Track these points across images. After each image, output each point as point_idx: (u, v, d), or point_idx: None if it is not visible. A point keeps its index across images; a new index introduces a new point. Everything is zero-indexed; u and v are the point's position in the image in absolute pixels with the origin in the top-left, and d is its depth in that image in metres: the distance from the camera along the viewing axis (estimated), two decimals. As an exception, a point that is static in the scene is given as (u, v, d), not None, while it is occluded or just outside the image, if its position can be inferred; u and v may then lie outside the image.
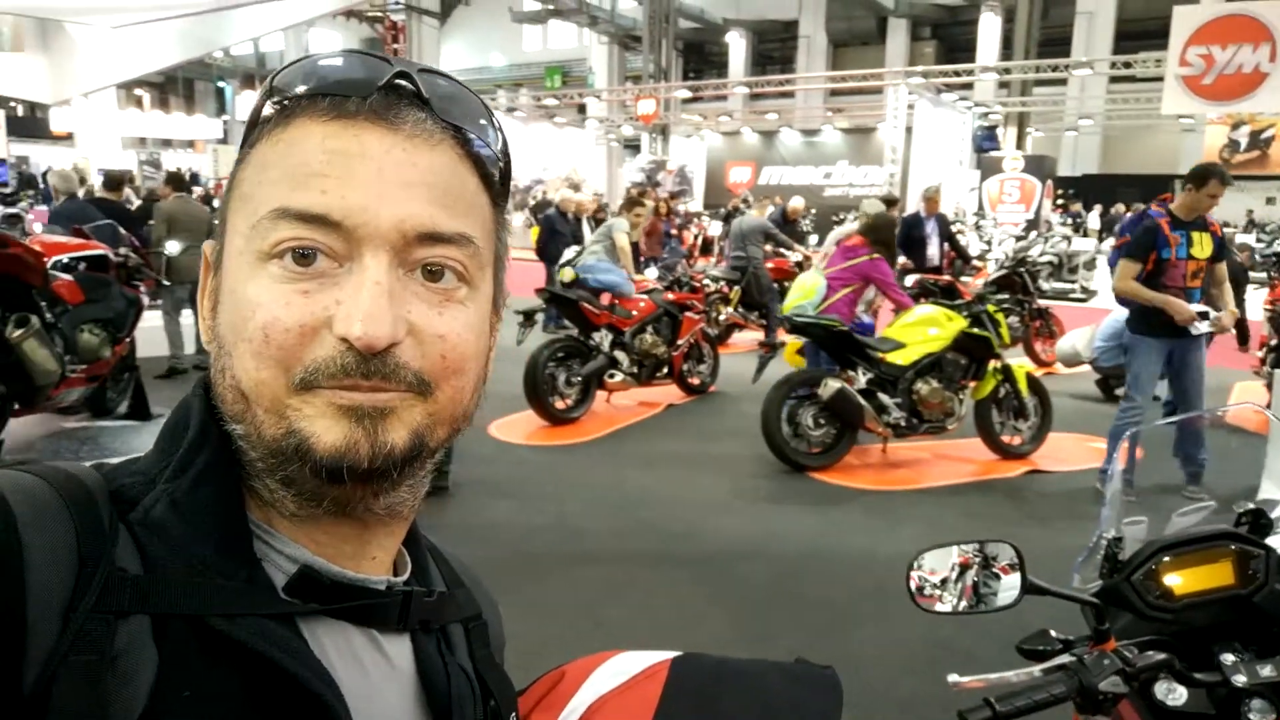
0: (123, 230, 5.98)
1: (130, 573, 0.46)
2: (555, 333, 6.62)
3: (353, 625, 0.54)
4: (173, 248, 6.93)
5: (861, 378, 5.41)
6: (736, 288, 9.37)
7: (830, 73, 27.85)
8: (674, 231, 10.92)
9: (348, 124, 0.50)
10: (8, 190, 13.80)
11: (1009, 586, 1.27)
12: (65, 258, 5.22)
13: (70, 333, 4.85)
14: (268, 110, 0.52)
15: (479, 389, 0.56)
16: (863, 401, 5.29)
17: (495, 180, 0.56)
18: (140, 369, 5.71)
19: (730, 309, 9.27)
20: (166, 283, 6.79)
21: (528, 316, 6.23)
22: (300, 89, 0.51)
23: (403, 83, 0.52)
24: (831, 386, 5.21)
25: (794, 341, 5.93)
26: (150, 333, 6.87)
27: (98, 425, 5.01)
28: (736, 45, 32.60)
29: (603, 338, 6.49)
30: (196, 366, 6.82)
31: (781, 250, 10.13)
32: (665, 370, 6.88)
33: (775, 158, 27.54)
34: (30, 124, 21.36)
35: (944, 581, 1.39)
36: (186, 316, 7.48)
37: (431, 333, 0.51)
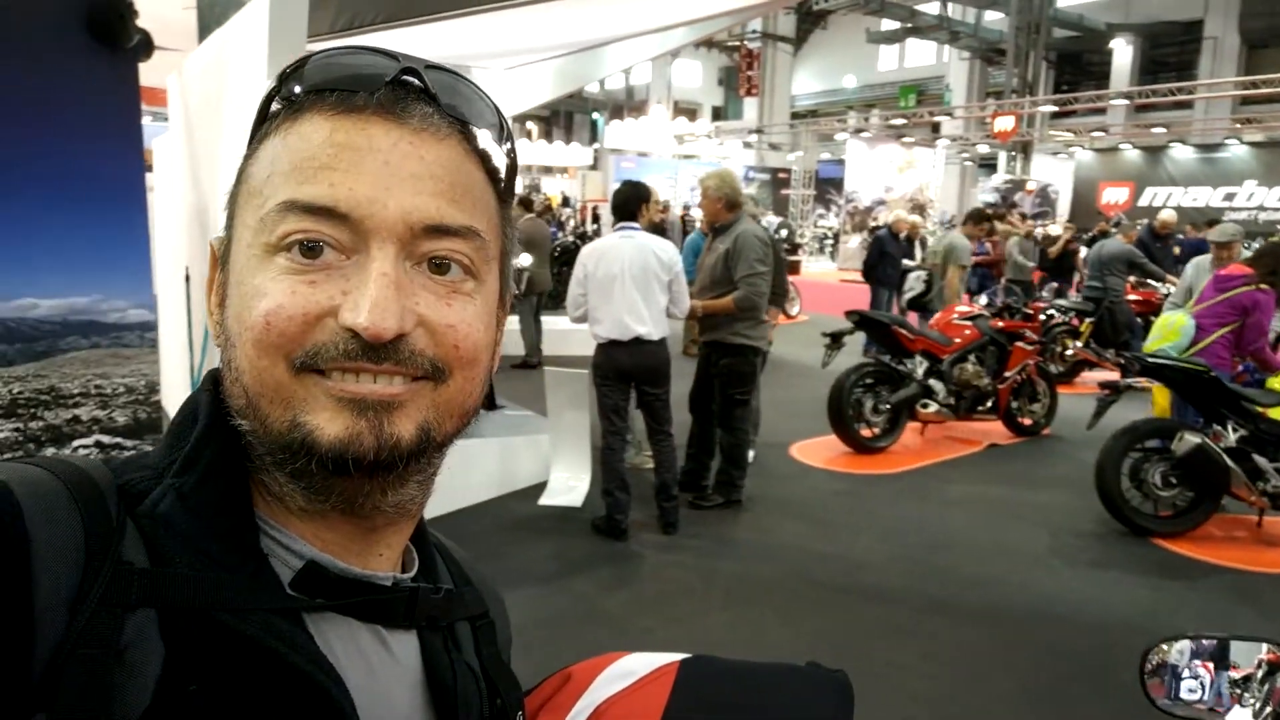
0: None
1: (137, 566, 0.46)
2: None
3: (359, 621, 0.54)
4: (525, 260, 7.85)
5: (1231, 435, 4.54)
6: (1088, 320, 8.36)
7: (1243, 78, 23.72)
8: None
9: (355, 118, 0.50)
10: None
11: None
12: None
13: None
14: (275, 106, 0.53)
15: (487, 382, 0.56)
16: (1230, 463, 4.43)
17: (501, 176, 0.55)
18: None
19: (1079, 344, 8.28)
20: (518, 292, 7.69)
21: (835, 339, 6.07)
22: (308, 84, 0.51)
23: (410, 78, 0.52)
24: (1189, 441, 4.44)
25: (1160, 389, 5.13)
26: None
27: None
28: (1122, 52, 29.06)
29: (916, 364, 6.14)
30: (539, 363, 7.63)
31: (1149, 281, 8.86)
32: (989, 405, 6.33)
33: (1160, 176, 24.09)
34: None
35: (1246, 679, 1.14)
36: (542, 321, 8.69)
37: (442, 323, 0.51)
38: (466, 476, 4.84)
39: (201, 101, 4.19)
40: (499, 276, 0.57)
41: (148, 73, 3.57)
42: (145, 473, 0.51)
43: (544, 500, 4.88)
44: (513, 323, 8.67)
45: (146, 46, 3.39)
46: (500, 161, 0.55)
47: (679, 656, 0.67)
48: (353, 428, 0.48)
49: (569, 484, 5.04)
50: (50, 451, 3.49)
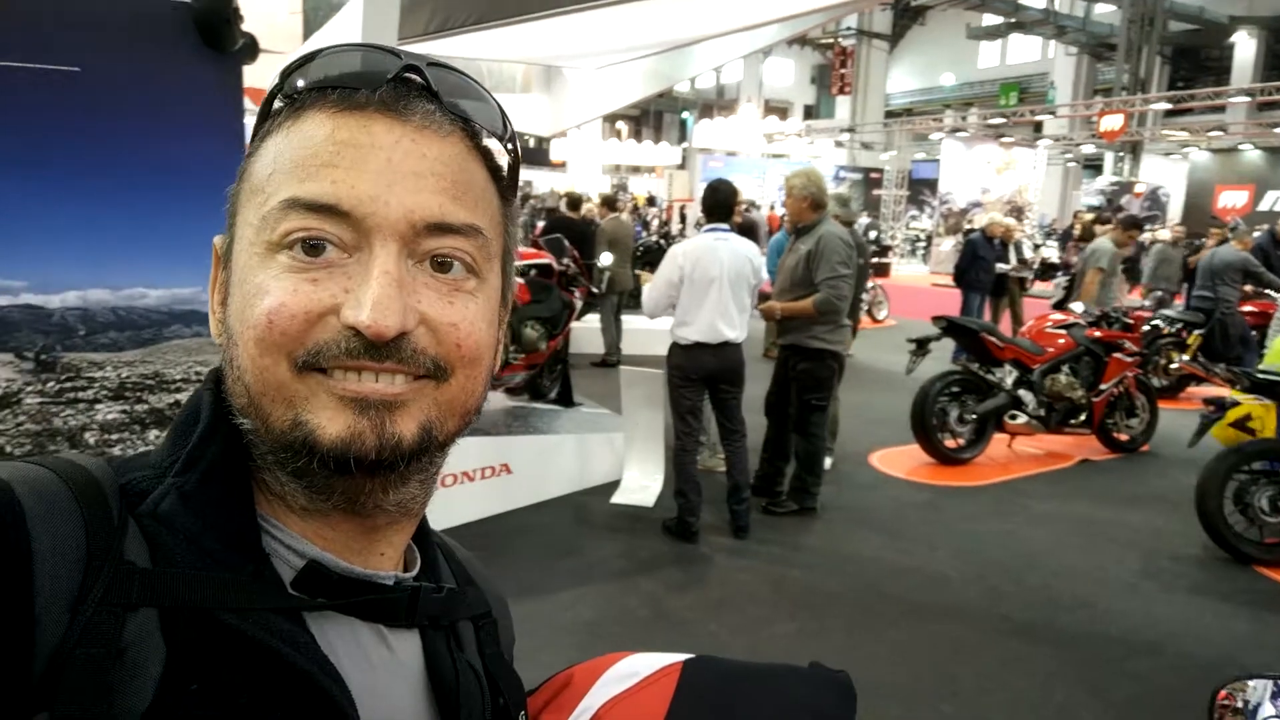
0: (567, 244, 6.97)
1: (139, 566, 0.46)
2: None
3: (360, 621, 0.54)
4: (606, 259, 7.90)
5: (1351, 459, 4.24)
6: (1197, 333, 7.92)
7: (1382, 73, 22.04)
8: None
9: (357, 115, 0.50)
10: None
11: None
12: (519, 264, 6.21)
13: (516, 326, 5.76)
14: (278, 103, 0.53)
15: (489, 381, 0.56)
16: (1349, 489, 4.14)
17: (504, 174, 0.55)
18: (571, 363, 6.57)
19: (1185, 357, 7.85)
20: (596, 290, 7.74)
21: (920, 345, 5.90)
22: (310, 82, 0.51)
23: (412, 75, 0.52)
24: (1302, 464, 4.17)
25: (1246, 408, 4.82)
26: (578, 332, 8.00)
27: (531, 406, 5.87)
28: (1244, 46, 27.34)
29: (1005, 374, 5.92)
30: (618, 362, 7.66)
31: (1268, 291, 8.32)
32: (1082, 418, 6.06)
33: (1285, 179, 22.63)
34: (535, 154, 25.55)
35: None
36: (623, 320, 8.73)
37: (444, 321, 0.50)
38: (544, 471, 4.92)
39: (299, 103, 4.35)
40: (501, 275, 0.56)
41: (255, 74, 3.74)
42: (147, 472, 0.51)
43: (616, 499, 4.91)
44: (593, 320, 8.74)
45: (252, 50, 3.55)
46: (503, 159, 0.55)
47: (682, 657, 0.67)
48: (354, 426, 0.48)
49: (641, 483, 5.05)
50: (154, 434, 3.70)
